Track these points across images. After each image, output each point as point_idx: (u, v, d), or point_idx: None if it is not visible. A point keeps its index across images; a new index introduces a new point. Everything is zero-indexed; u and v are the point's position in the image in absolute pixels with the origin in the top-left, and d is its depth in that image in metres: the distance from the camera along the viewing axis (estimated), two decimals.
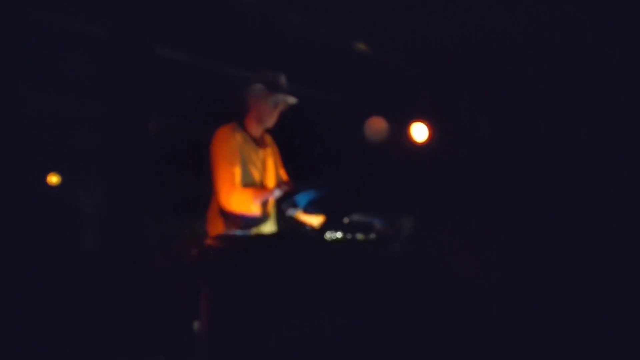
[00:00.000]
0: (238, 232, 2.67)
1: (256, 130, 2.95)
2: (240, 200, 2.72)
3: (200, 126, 2.98)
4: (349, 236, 2.42)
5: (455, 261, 2.58)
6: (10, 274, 2.36)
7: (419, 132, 4.20)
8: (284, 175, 3.06)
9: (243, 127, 2.91)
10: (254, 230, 2.78)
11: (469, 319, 2.37)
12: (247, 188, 2.80)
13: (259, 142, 2.95)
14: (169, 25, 3.16)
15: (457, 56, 3.93)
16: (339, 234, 2.43)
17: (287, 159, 3.14)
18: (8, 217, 2.33)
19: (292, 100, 2.93)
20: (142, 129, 2.50)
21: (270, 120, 2.92)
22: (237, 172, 2.77)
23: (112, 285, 2.47)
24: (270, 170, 2.98)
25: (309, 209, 2.56)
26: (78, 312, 2.52)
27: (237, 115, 2.94)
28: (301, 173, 3.04)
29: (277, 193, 2.77)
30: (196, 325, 2.46)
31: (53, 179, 3.85)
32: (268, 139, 3.05)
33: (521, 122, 3.76)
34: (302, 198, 2.58)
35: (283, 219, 2.99)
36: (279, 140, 3.11)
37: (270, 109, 2.89)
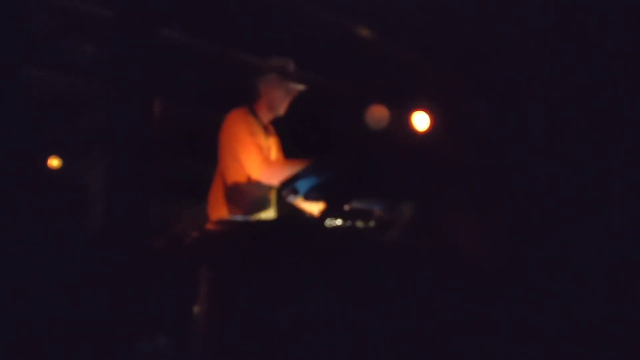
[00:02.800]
0: (239, 217, 2.68)
1: (266, 117, 2.96)
2: (276, 172, 2.69)
3: (204, 110, 2.98)
4: (348, 223, 2.43)
5: (456, 249, 2.59)
6: (11, 257, 2.37)
7: (420, 120, 4.21)
8: None
9: (254, 112, 2.91)
10: (255, 216, 2.79)
11: (470, 306, 2.39)
12: (280, 160, 2.80)
13: (266, 131, 2.96)
14: (177, 7, 3.15)
15: (459, 44, 3.92)
16: (338, 221, 2.44)
17: (288, 146, 3.15)
18: (11, 201, 2.33)
19: (301, 87, 2.93)
20: (147, 111, 2.49)
21: (282, 108, 2.93)
22: (261, 147, 2.77)
23: (113, 267, 2.48)
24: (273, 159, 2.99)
25: (310, 196, 2.56)
26: (77, 294, 2.53)
27: (245, 101, 2.94)
28: (302, 160, 3.04)
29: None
30: (196, 308, 2.48)
31: (54, 162, 3.85)
32: (272, 129, 3.05)
33: (522, 110, 3.76)
34: (303, 184, 2.59)
35: (282, 206, 3.00)
36: (279, 127, 3.11)
37: (282, 97, 2.90)
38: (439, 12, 3.65)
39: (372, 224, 2.48)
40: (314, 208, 2.86)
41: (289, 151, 3.12)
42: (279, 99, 2.91)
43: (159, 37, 2.83)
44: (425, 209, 2.81)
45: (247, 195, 2.78)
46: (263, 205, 2.85)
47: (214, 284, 2.35)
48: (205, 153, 2.94)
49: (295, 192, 2.59)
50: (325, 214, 2.41)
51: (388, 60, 4.19)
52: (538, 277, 2.91)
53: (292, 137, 3.24)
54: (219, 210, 2.81)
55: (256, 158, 2.70)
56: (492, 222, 3.28)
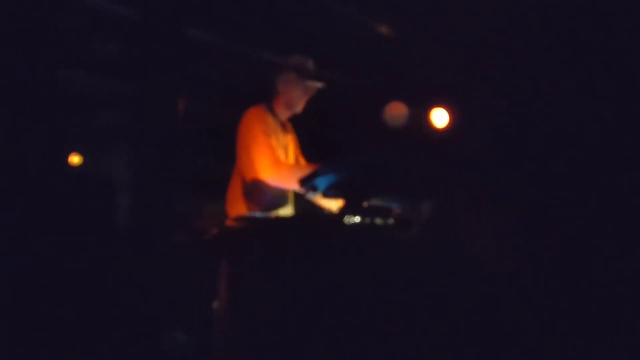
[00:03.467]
0: (258, 213, 2.69)
1: (284, 114, 2.97)
2: (284, 175, 2.71)
3: (224, 107, 3.00)
4: (367, 220, 2.43)
5: (474, 247, 2.58)
6: (34, 253, 2.41)
7: (440, 117, 4.18)
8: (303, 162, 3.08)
9: (272, 110, 2.93)
10: (273, 213, 2.80)
11: (489, 305, 2.38)
12: (290, 163, 2.82)
13: (284, 128, 2.97)
14: (198, 6, 3.17)
15: (478, 40, 3.89)
16: (357, 218, 2.44)
17: (307, 143, 3.15)
18: (35, 196, 2.37)
19: (319, 85, 2.94)
20: (169, 109, 2.52)
21: (300, 106, 2.95)
22: (275, 147, 2.78)
23: (134, 263, 2.51)
24: (291, 157, 3.00)
25: (329, 193, 2.56)
26: (99, 289, 2.56)
27: (263, 99, 2.95)
28: (321, 157, 3.05)
29: None
30: (215, 304, 2.50)
31: (74, 159, 3.89)
32: (289, 125, 3.07)
33: (543, 107, 3.72)
34: (322, 181, 2.59)
35: (299, 203, 3.00)
36: (299, 124, 3.12)
37: (300, 95, 2.91)
38: (458, 8, 3.63)
39: (390, 221, 2.48)
40: (332, 205, 2.86)
41: (308, 149, 3.13)
42: (296, 97, 2.92)
43: (182, 36, 2.86)
44: (444, 207, 2.80)
45: (265, 192, 2.79)
46: (281, 202, 2.87)
47: (234, 279, 2.37)
48: (226, 150, 2.95)
49: (314, 189, 2.60)
50: (344, 211, 2.41)
51: (407, 57, 4.18)
52: (558, 278, 2.89)
53: (312, 134, 3.25)
54: (237, 207, 2.83)
55: (266, 159, 2.71)
56: (511, 221, 3.26)
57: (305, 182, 2.50)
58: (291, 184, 2.73)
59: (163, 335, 2.59)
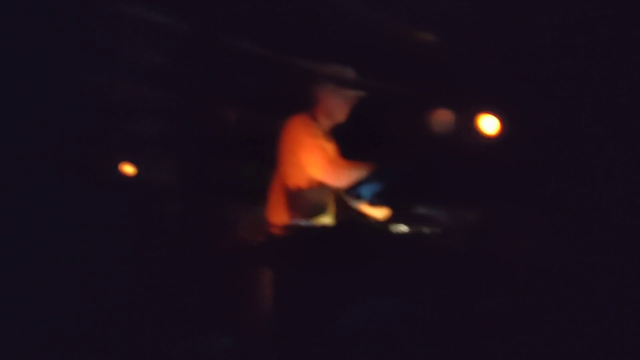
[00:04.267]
0: (303, 221, 2.69)
1: (325, 124, 2.96)
2: (342, 173, 2.70)
3: (266, 116, 3.02)
4: (414, 229, 2.40)
5: (525, 256, 2.51)
6: (82, 258, 2.46)
7: (489, 124, 4.11)
8: None
9: (314, 119, 2.93)
10: (315, 220, 2.79)
11: (538, 315, 2.32)
12: (345, 161, 2.80)
13: (326, 137, 2.97)
14: (237, 16, 3.20)
15: (529, 43, 3.81)
16: (403, 227, 2.41)
17: (352, 150, 3.14)
18: (85, 204, 2.43)
19: (360, 94, 2.92)
20: (212, 117, 2.55)
21: (341, 115, 2.93)
22: (325, 149, 2.77)
23: (179, 269, 2.54)
24: None
25: (374, 201, 2.54)
26: (143, 296, 2.60)
27: (305, 108, 2.95)
28: (364, 163, 3.02)
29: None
30: (261, 311, 2.51)
31: (128, 168, 3.96)
32: (331, 136, 3.06)
33: (595, 114, 3.62)
34: (367, 189, 2.57)
35: (340, 211, 2.98)
36: (344, 133, 3.11)
37: (340, 105, 2.89)
38: (506, 12, 3.56)
39: (438, 230, 2.45)
40: (378, 213, 2.84)
41: (354, 158, 3.10)
42: (336, 107, 2.90)
43: (222, 45, 2.89)
44: (493, 215, 2.74)
45: (307, 200, 2.78)
46: (322, 209, 2.85)
47: (279, 286, 2.37)
48: (270, 158, 2.97)
49: (359, 196, 2.58)
50: (390, 219, 2.39)
51: (454, 63, 4.12)
52: (612, 285, 2.79)
53: (357, 142, 3.22)
54: (279, 214, 2.82)
55: (321, 159, 2.71)
56: (564, 230, 3.17)
57: (350, 190, 2.49)
58: (348, 181, 2.70)
59: (206, 340, 2.61)
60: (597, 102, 3.57)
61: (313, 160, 2.72)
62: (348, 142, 3.11)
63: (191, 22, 2.84)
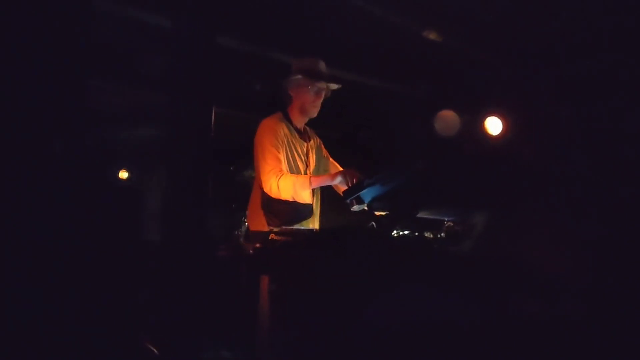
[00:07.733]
0: (287, 227, 2.60)
1: (300, 121, 2.87)
2: (289, 186, 2.62)
3: (258, 117, 2.94)
4: (417, 234, 2.33)
5: (533, 261, 2.44)
6: (75, 264, 2.41)
7: (494, 125, 4.06)
8: (335, 168, 2.97)
9: (288, 118, 2.84)
10: (296, 226, 2.70)
11: (549, 322, 2.24)
12: (298, 174, 2.72)
13: (302, 135, 2.88)
14: (227, 14, 3.14)
15: (534, 47, 3.75)
16: (406, 232, 2.34)
17: (354, 153, 3.07)
18: (78, 208, 2.38)
19: (334, 86, 2.82)
20: (207, 121, 2.49)
21: (314, 110, 2.83)
22: (283, 159, 2.70)
23: (175, 278, 2.48)
24: (312, 164, 2.90)
25: (375, 205, 2.46)
26: (140, 305, 2.55)
27: (281, 107, 2.87)
28: (369, 167, 2.96)
29: (339, 180, 2.63)
30: (260, 320, 2.44)
31: (123, 174, 3.94)
32: (311, 132, 2.97)
33: (602, 115, 3.55)
34: (368, 193, 2.49)
35: (327, 216, 2.91)
36: (345, 133, 3.05)
37: (312, 98, 2.79)
38: (511, 12, 3.49)
39: (442, 234, 2.37)
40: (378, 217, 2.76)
41: (356, 159, 3.02)
42: (309, 101, 2.80)
43: (217, 46, 2.83)
44: (500, 219, 2.67)
45: (283, 205, 2.69)
46: (304, 214, 2.76)
47: (277, 294, 2.31)
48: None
49: (360, 201, 2.50)
50: (392, 225, 2.31)
51: (459, 64, 4.07)
52: (623, 293, 2.70)
53: (361, 143, 3.18)
54: (256, 220, 2.74)
55: (272, 169, 2.64)
56: (573, 233, 3.09)
57: (350, 194, 2.41)
58: (299, 195, 2.67)
59: (206, 350, 2.55)
60: (605, 103, 3.51)
61: (263, 170, 2.66)
62: (353, 144, 3.05)
63: (187, 25, 2.79)
